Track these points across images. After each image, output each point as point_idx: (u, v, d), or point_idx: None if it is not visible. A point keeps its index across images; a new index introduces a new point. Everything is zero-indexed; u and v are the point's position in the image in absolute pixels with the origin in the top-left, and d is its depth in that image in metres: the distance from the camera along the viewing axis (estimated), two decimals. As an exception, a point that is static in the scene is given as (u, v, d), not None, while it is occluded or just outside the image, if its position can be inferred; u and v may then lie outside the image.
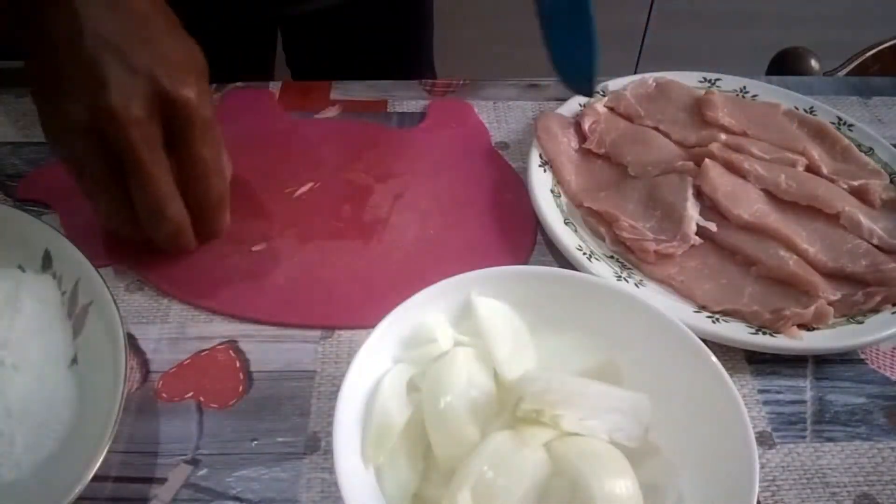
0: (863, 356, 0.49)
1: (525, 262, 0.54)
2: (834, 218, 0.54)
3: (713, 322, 0.48)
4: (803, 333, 0.47)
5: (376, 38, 0.84)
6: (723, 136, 0.59)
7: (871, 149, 0.61)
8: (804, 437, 0.45)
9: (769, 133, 0.60)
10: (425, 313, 0.40)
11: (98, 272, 0.44)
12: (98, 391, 0.41)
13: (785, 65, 0.89)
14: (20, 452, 0.39)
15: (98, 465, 0.36)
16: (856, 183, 0.56)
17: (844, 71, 0.90)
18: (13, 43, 0.45)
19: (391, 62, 0.85)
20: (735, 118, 0.61)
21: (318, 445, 0.43)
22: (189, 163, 0.45)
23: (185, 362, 0.47)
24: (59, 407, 0.41)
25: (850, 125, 0.63)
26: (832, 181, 0.57)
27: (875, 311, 0.49)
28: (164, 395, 0.45)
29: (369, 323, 0.39)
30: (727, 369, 0.38)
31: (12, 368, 0.41)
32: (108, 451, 0.37)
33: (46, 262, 0.46)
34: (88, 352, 0.43)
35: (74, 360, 0.43)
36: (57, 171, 0.58)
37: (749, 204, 0.54)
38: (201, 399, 0.45)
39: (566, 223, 0.54)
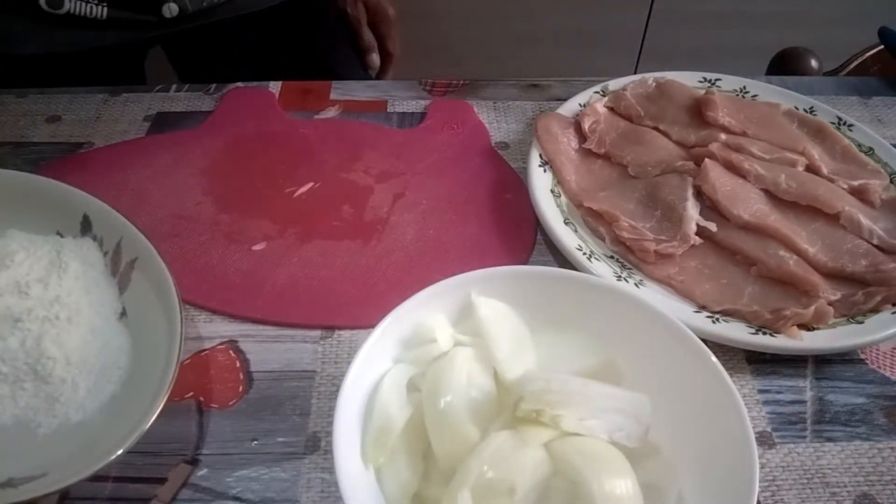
0: (863, 356, 0.49)
1: (525, 262, 0.54)
2: (834, 218, 0.54)
3: (713, 322, 0.48)
4: (803, 333, 0.47)
5: (258, 47, 0.81)
6: (723, 136, 0.59)
7: (871, 149, 0.61)
8: (804, 437, 0.45)
9: (769, 133, 0.60)
10: (425, 313, 0.40)
11: (139, 230, 0.47)
12: (151, 338, 0.44)
13: (785, 65, 0.89)
14: (83, 396, 0.42)
15: (162, 404, 0.39)
16: (856, 183, 0.56)
17: (844, 71, 0.89)
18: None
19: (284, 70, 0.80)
20: (735, 118, 0.61)
21: (318, 445, 0.43)
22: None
23: (185, 362, 0.47)
24: (116, 354, 0.44)
25: (850, 125, 0.63)
26: (832, 181, 0.57)
27: (875, 311, 0.49)
28: (164, 395, 0.45)
29: (369, 323, 0.39)
30: (727, 369, 0.38)
31: (67, 321, 0.44)
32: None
33: (86, 227, 0.49)
34: (137, 304, 0.47)
35: (124, 313, 0.47)
36: (56, 171, 0.58)
37: (749, 204, 0.54)
38: (201, 399, 0.45)
39: (566, 223, 0.54)
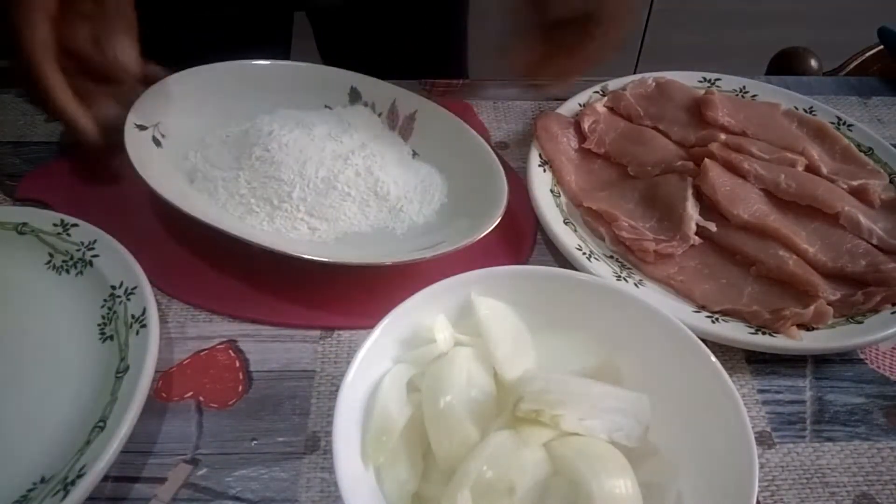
0: (862, 356, 0.49)
1: (525, 262, 0.54)
2: (833, 218, 0.54)
3: (713, 322, 0.48)
4: (803, 333, 0.47)
5: (403, 33, 0.83)
6: (722, 136, 0.59)
7: (870, 149, 0.61)
8: (804, 437, 0.45)
9: (769, 133, 0.60)
10: (425, 313, 0.40)
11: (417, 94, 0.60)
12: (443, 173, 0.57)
13: (785, 65, 0.89)
14: (418, 207, 0.55)
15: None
16: (855, 183, 0.56)
17: (844, 71, 0.90)
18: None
19: (421, 59, 0.81)
20: (735, 118, 0.61)
21: (317, 445, 0.43)
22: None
23: (185, 362, 0.47)
24: (433, 190, 0.56)
25: (850, 125, 0.63)
26: (832, 181, 0.57)
27: (874, 311, 0.49)
28: (163, 394, 0.45)
29: (369, 323, 0.39)
30: (727, 369, 0.38)
31: (380, 156, 0.55)
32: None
33: (354, 96, 0.61)
34: (424, 147, 0.59)
35: (415, 154, 0.59)
36: (56, 170, 0.58)
37: (748, 204, 0.54)
38: (201, 399, 0.45)
39: (566, 223, 0.54)
